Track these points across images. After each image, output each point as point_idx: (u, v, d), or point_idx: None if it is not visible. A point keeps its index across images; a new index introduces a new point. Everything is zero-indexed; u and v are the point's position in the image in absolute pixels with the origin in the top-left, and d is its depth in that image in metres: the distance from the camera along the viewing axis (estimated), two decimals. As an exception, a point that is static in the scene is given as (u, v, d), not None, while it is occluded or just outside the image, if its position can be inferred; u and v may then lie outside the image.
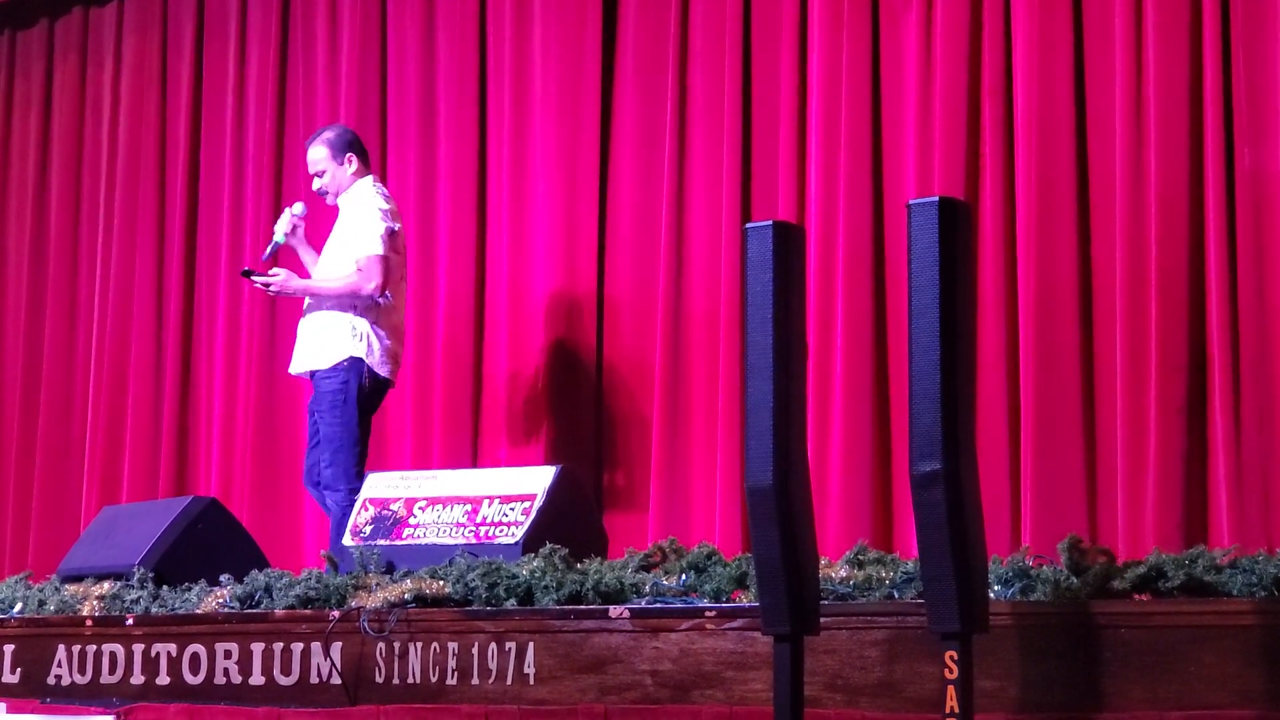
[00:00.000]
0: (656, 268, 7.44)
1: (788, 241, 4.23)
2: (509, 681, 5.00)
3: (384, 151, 8.22)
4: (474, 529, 5.72)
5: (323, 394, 6.82)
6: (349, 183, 7.00)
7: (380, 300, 6.82)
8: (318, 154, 7.04)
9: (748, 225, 4.29)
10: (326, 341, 6.83)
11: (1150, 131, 6.39)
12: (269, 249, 7.02)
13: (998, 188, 6.72)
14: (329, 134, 7.12)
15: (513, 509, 5.69)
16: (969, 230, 4.06)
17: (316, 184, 7.06)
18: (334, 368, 6.79)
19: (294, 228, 7.06)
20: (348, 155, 7.00)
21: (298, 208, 7.09)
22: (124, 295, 8.82)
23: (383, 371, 6.84)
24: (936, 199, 3.99)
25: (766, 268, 4.20)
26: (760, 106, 7.34)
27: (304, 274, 7.06)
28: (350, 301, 6.81)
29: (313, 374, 6.87)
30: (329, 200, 7.06)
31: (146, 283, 8.78)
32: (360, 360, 6.79)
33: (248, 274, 6.93)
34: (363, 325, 6.81)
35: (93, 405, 8.86)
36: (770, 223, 4.24)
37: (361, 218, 6.86)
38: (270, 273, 6.88)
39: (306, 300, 6.95)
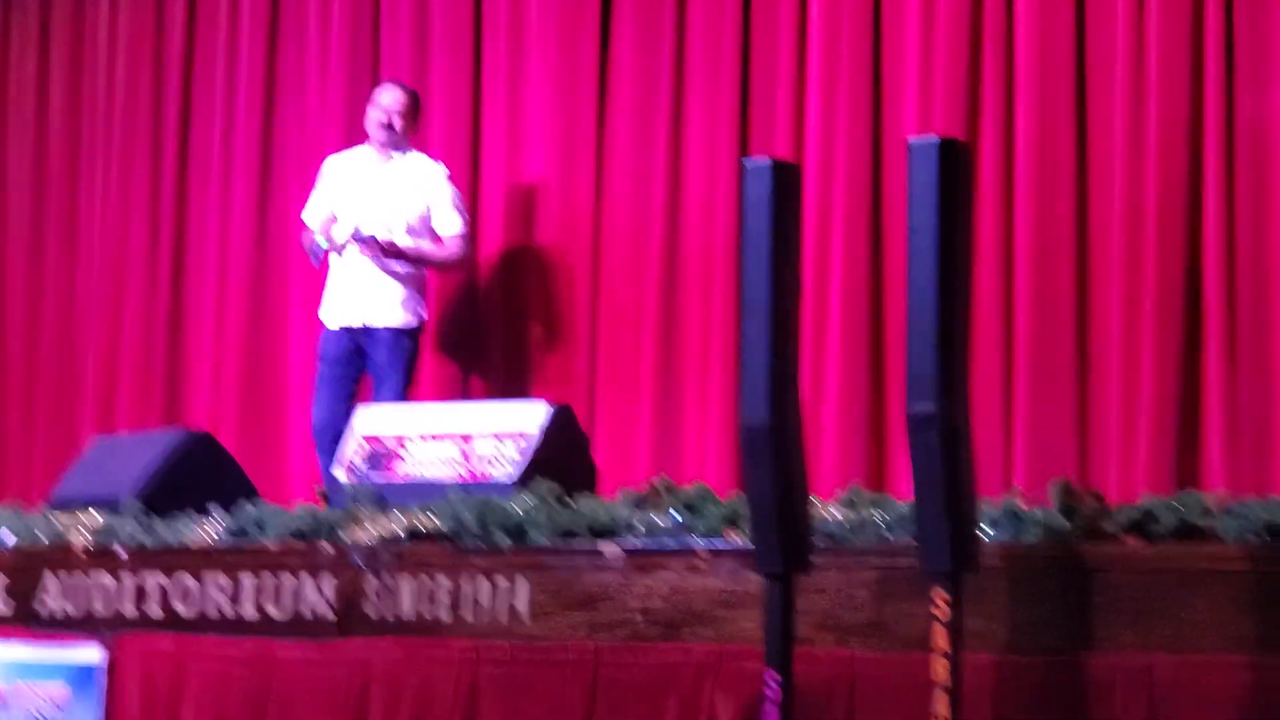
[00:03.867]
0: (652, 204, 7.42)
1: (786, 181, 4.21)
2: (501, 617, 5.01)
3: (375, 81, 8.16)
4: (467, 465, 5.72)
5: (397, 350, 7.19)
6: (405, 146, 7.37)
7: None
8: (404, 102, 7.35)
9: (746, 164, 4.28)
10: (404, 300, 7.24)
11: (1151, 76, 6.38)
12: (318, 254, 7.21)
13: (997, 130, 6.71)
14: (413, 94, 7.44)
15: (507, 445, 5.68)
16: (969, 172, 4.05)
17: (377, 116, 7.30)
18: (411, 328, 7.25)
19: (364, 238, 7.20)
20: (418, 119, 7.42)
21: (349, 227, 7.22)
22: (121, 228, 8.75)
23: None
24: (937, 139, 3.98)
25: (764, 206, 4.18)
26: (759, 43, 7.30)
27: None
28: (431, 266, 7.31)
29: (378, 329, 7.20)
30: (375, 142, 7.34)
31: (141, 216, 8.72)
32: (426, 320, 7.33)
33: (360, 239, 7.13)
34: (423, 287, 7.34)
35: (91, 335, 8.83)
36: (769, 161, 4.22)
37: (439, 191, 7.32)
38: (376, 238, 7.15)
39: (349, 251, 7.17)
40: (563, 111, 7.70)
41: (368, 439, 6.01)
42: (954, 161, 3.95)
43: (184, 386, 8.55)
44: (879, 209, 6.93)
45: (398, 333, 7.22)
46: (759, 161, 4.23)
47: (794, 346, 4.22)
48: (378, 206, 7.26)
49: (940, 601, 3.95)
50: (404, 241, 7.22)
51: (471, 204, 7.85)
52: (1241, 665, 4.05)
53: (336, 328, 7.31)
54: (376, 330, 7.22)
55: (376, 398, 7.14)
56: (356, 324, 7.26)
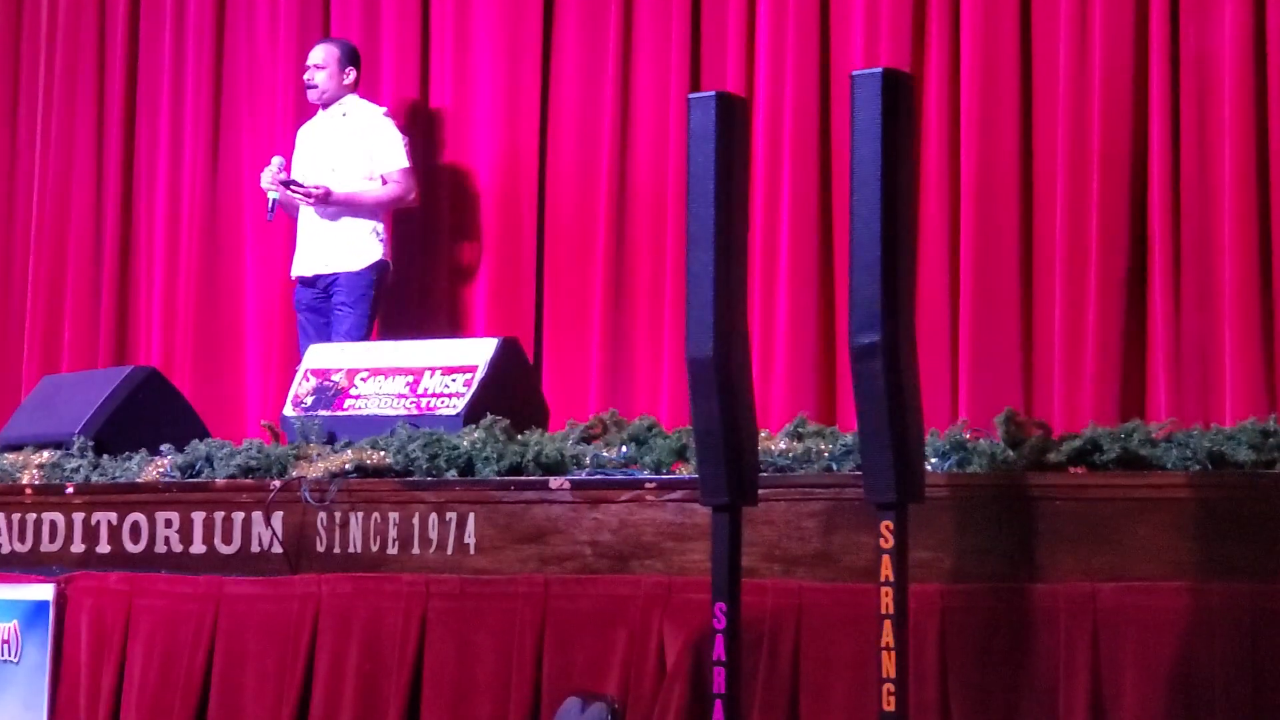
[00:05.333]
0: (601, 138, 7.42)
1: (731, 113, 4.20)
2: (450, 551, 5.01)
3: (326, 21, 8.11)
4: (415, 400, 5.71)
5: (350, 293, 7.28)
6: (342, 93, 7.45)
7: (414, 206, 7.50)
8: (324, 56, 7.46)
9: (691, 96, 4.27)
10: (354, 245, 7.31)
11: (1096, 8, 6.39)
12: (270, 206, 7.36)
13: (943, 62, 6.73)
14: (340, 45, 7.55)
15: (454, 380, 5.68)
16: (912, 102, 4.05)
17: (309, 76, 7.45)
18: (365, 269, 7.30)
19: (277, 181, 7.32)
20: (349, 69, 7.45)
21: (276, 162, 7.37)
22: (64, 163, 8.68)
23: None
24: (880, 70, 3.98)
25: (709, 139, 4.18)
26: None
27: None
28: (375, 209, 7.33)
29: (335, 275, 7.31)
30: (314, 97, 7.46)
31: (86, 150, 8.64)
32: (386, 263, 7.36)
33: (288, 184, 7.26)
34: (381, 230, 7.36)
35: (33, 275, 8.76)
36: (714, 93, 4.21)
37: (379, 132, 7.39)
38: (312, 186, 7.26)
39: (302, 206, 7.36)
40: (509, 45, 7.68)
41: (316, 375, 5.99)
42: (897, 92, 3.94)
43: (133, 322, 8.51)
44: (828, 142, 6.95)
45: (352, 276, 7.32)
46: (704, 93, 4.22)
47: (740, 278, 4.22)
48: (323, 159, 7.39)
49: (886, 532, 3.96)
50: (342, 188, 7.30)
51: (419, 139, 7.83)
52: (1182, 591, 4.09)
53: (296, 277, 7.48)
54: (335, 276, 7.34)
55: (333, 336, 7.19)
56: (316, 272, 7.40)
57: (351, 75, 7.47)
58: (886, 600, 3.95)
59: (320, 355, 6.12)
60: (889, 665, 3.93)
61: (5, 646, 5.54)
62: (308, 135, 7.59)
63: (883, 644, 3.95)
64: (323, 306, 7.41)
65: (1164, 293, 6.25)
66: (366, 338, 7.25)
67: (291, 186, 7.27)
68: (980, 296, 6.54)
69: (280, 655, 5.00)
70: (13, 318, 8.83)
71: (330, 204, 7.31)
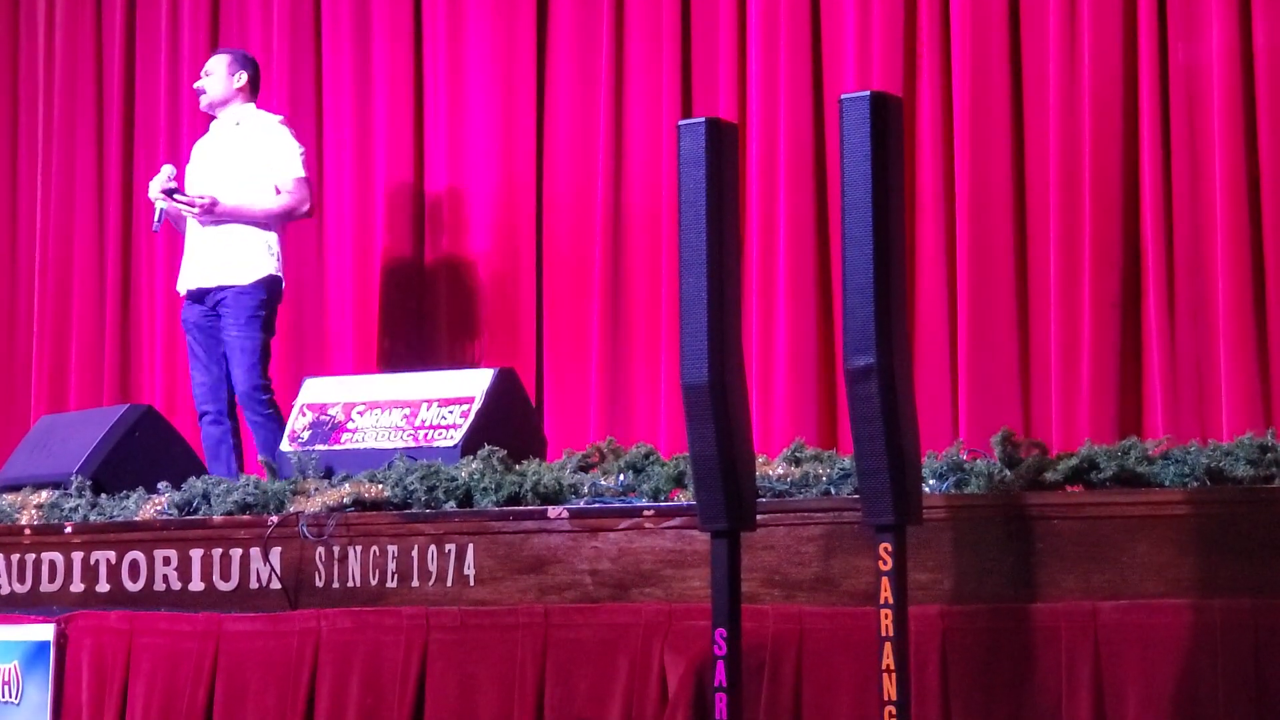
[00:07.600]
0: (595, 168, 7.43)
1: (721, 138, 4.21)
2: (449, 583, 5.01)
3: (318, 52, 8.12)
4: (413, 432, 5.71)
5: (239, 309, 6.89)
6: (232, 98, 7.11)
7: (308, 218, 7.16)
8: (216, 61, 7.18)
9: (680, 122, 4.29)
10: (244, 258, 6.93)
11: (1084, 26, 6.42)
12: (158, 217, 6.97)
13: (935, 85, 6.75)
14: (234, 55, 7.25)
15: (451, 412, 5.68)
16: (900, 124, 4.06)
17: (199, 84, 7.17)
18: (255, 284, 6.91)
19: (170, 190, 6.96)
20: (239, 72, 7.11)
21: (166, 171, 7.02)
22: (65, 206, 8.67)
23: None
24: (868, 93, 3.99)
25: (699, 164, 4.19)
26: (699, 6, 7.31)
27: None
28: (267, 220, 6.94)
29: (222, 290, 6.92)
30: (203, 103, 7.17)
31: (87, 192, 8.65)
32: (278, 278, 6.97)
33: (171, 193, 6.90)
34: (275, 243, 6.98)
35: (38, 317, 8.75)
36: (703, 119, 4.23)
37: (273, 141, 7.03)
38: (198, 196, 6.89)
39: (190, 218, 6.99)
40: (503, 77, 7.68)
41: (312, 409, 6.00)
42: (885, 114, 3.95)
43: (135, 361, 8.51)
44: (823, 165, 6.96)
45: (241, 292, 6.91)
46: (693, 120, 4.24)
47: (734, 303, 4.23)
48: (213, 169, 7.06)
49: (884, 554, 3.96)
50: (232, 197, 6.94)
51: (415, 170, 7.83)
52: (1183, 608, 4.09)
53: (185, 292, 7.08)
54: (222, 291, 6.94)
55: (230, 363, 6.90)
56: (202, 286, 6.99)
57: (243, 79, 7.09)
58: (886, 622, 3.94)
59: (316, 389, 6.12)
60: (890, 688, 3.92)
61: (6, 688, 5.53)
62: (202, 147, 7.23)
63: (884, 666, 3.94)
64: (211, 325, 6.98)
65: (1158, 309, 6.25)
66: (265, 361, 6.92)
67: (174, 196, 6.87)
68: (976, 317, 6.54)
69: (281, 691, 4.99)
70: (19, 359, 8.83)
71: (218, 214, 6.90)
